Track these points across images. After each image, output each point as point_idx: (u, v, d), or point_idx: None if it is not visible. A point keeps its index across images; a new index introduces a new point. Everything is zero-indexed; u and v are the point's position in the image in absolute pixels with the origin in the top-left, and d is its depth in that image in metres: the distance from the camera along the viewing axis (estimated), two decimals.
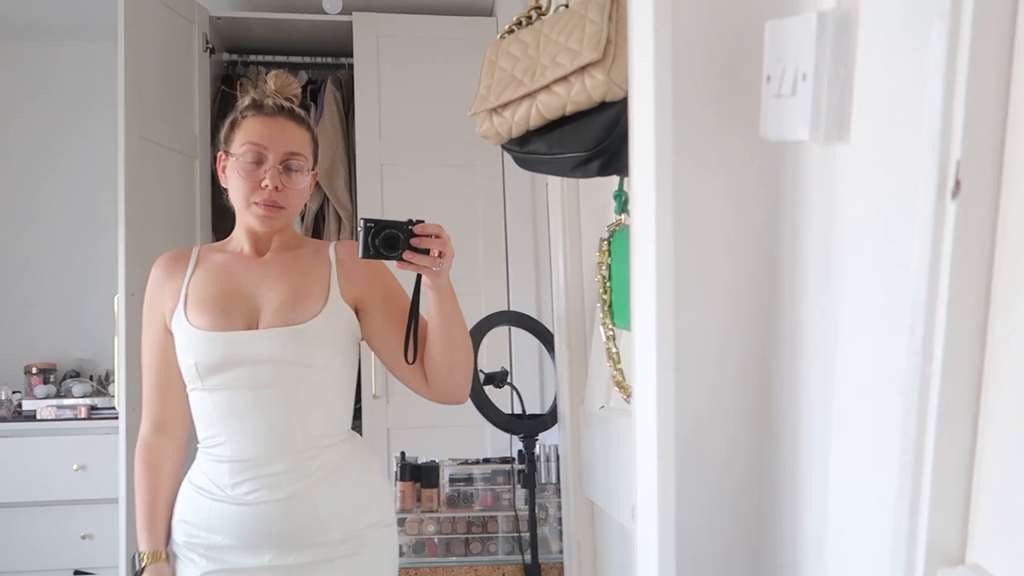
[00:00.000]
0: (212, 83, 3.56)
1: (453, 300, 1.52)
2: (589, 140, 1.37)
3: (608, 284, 1.55)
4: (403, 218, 1.44)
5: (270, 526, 1.52)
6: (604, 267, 1.56)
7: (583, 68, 1.34)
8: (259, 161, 1.57)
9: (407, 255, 1.41)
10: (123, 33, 2.88)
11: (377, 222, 1.41)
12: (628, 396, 1.46)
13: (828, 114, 0.81)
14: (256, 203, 1.57)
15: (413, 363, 1.55)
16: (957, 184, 0.66)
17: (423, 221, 1.44)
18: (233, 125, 1.62)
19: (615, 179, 1.65)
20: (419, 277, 1.49)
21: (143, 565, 1.56)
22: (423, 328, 1.57)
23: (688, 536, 1.04)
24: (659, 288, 0.92)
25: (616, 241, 1.56)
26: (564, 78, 1.37)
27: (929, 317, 0.69)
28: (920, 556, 0.70)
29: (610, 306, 1.55)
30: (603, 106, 1.37)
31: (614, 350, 1.53)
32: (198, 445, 1.61)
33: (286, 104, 1.63)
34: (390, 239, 1.40)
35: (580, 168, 1.43)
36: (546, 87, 1.39)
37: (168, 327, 1.61)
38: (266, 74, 1.67)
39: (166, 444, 1.62)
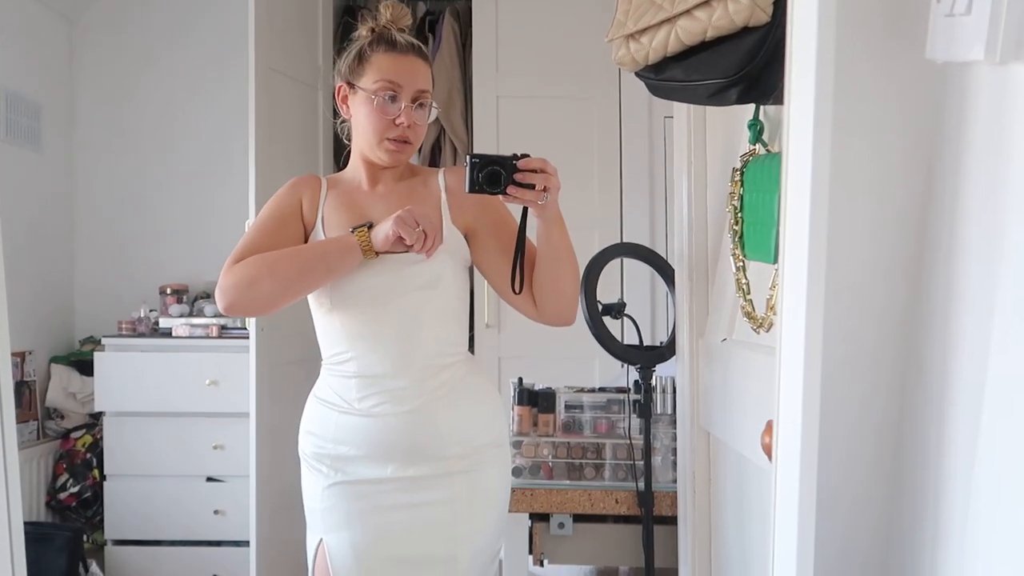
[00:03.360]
0: (335, 15, 3.62)
1: (562, 229, 1.56)
2: (730, 66, 1.35)
3: (740, 215, 1.54)
4: (513, 152, 1.48)
5: (393, 437, 1.60)
6: (736, 198, 1.55)
7: None
8: (393, 98, 1.61)
9: (511, 190, 1.45)
10: None
11: (482, 157, 1.45)
12: (759, 327, 1.46)
13: (1007, 32, 0.78)
14: (389, 139, 1.62)
15: (519, 294, 1.60)
16: None
17: (528, 156, 1.47)
18: (362, 58, 1.64)
19: (746, 109, 1.62)
20: (525, 209, 1.53)
21: (366, 226, 1.57)
22: (531, 254, 1.61)
23: (828, 472, 1.04)
24: (813, 222, 0.91)
25: (750, 171, 1.54)
26: (706, 2, 1.34)
27: None
28: None
29: (741, 237, 1.53)
30: (745, 31, 1.34)
31: (744, 281, 1.52)
32: (323, 364, 1.70)
33: (415, 42, 1.66)
34: (493, 175, 1.45)
35: (717, 96, 1.41)
36: (687, 12, 1.37)
37: (298, 214, 1.66)
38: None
39: None
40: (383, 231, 1.54)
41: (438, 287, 1.62)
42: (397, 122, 1.60)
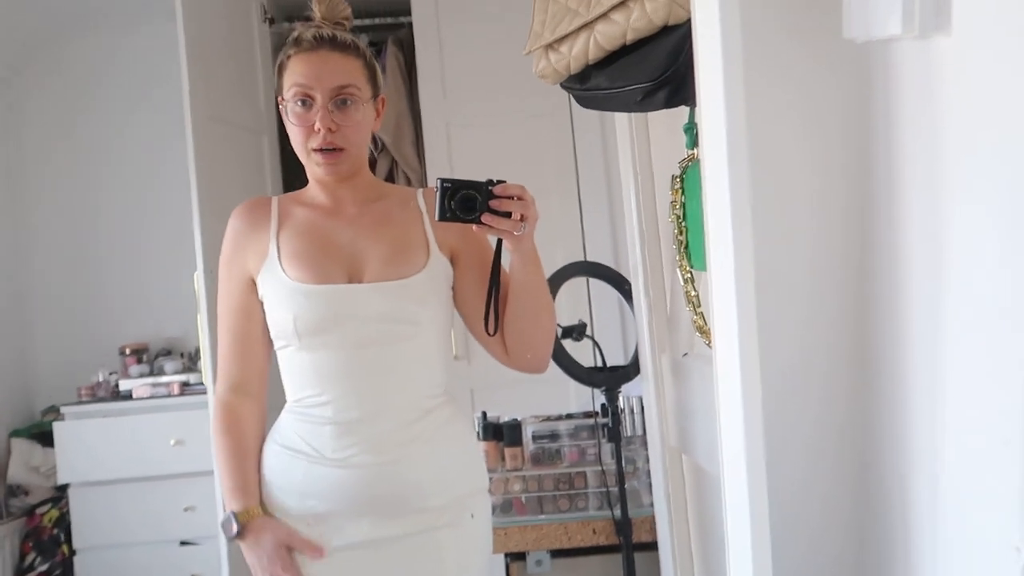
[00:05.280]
0: (274, 55, 3.54)
1: (537, 266, 1.44)
2: (653, 69, 1.27)
3: (683, 224, 1.46)
4: (479, 177, 1.35)
5: (371, 490, 1.45)
6: (678, 206, 1.47)
7: None
8: (307, 103, 1.46)
9: (485, 218, 1.32)
10: (181, 13, 2.87)
11: (454, 182, 1.32)
12: (710, 341, 1.37)
13: (923, 2, 0.70)
14: (314, 149, 1.46)
15: (493, 335, 1.48)
16: None
17: (504, 181, 1.34)
18: (280, 69, 1.51)
19: (685, 112, 1.55)
20: (500, 242, 1.42)
21: (239, 525, 1.46)
22: (504, 293, 1.48)
23: (784, 491, 0.96)
24: (735, 222, 0.83)
25: (689, 177, 1.46)
26: (622, 3, 1.27)
27: None
28: None
29: (686, 247, 1.45)
30: (666, 30, 1.27)
31: (693, 293, 1.44)
32: (287, 406, 1.54)
33: (327, 33, 1.49)
34: (467, 200, 1.32)
35: (646, 101, 1.34)
36: (603, 15, 1.30)
37: (252, 281, 1.52)
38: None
39: (245, 403, 1.53)
40: (251, 552, 1.47)
41: (422, 323, 1.48)
42: (316, 128, 1.45)
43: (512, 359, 1.52)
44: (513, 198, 1.33)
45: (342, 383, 1.46)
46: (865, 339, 0.97)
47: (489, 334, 1.47)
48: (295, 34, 1.50)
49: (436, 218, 1.34)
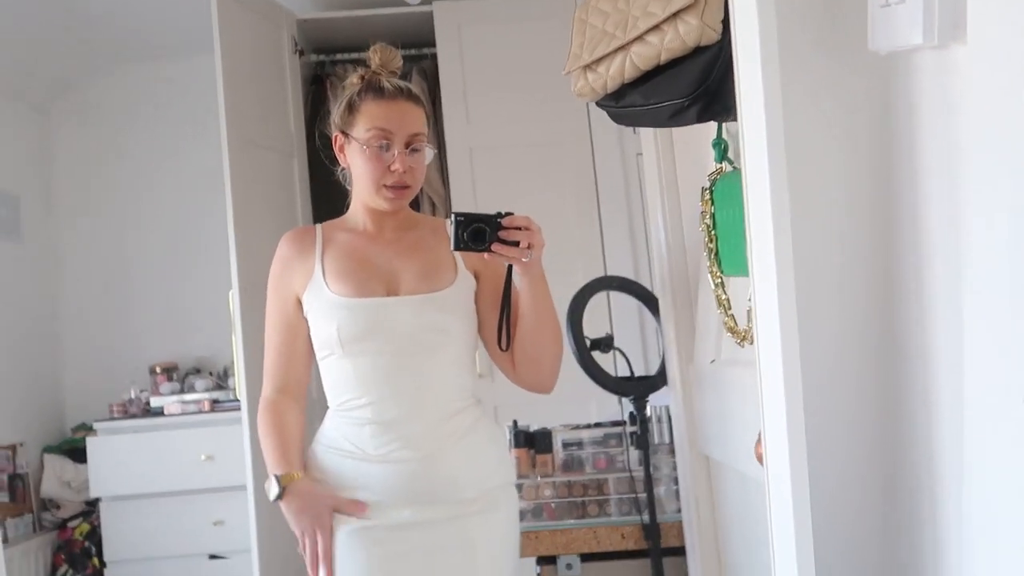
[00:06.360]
0: (303, 84, 3.67)
1: (544, 290, 1.58)
2: (686, 86, 1.37)
3: (713, 232, 1.55)
4: (496, 207, 1.51)
5: (411, 482, 1.58)
6: (708, 216, 1.56)
7: (675, 14, 1.34)
8: (386, 146, 1.60)
9: (495, 247, 1.47)
10: (219, 45, 2.99)
11: (467, 216, 1.47)
12: (741, 340, 1.46)
13: (941, 14, 0.79)
14: (386, 186, 1.61)
15: (506, 350, 1.61)
16: None
17: (512, 213, 1.49)
18: (352, 108, 1.64)
19: (711, 129, 1.64)
20: (510, 268, 1.54)
21: (280, 487, 1.58)
22: (515, 314, 1.62)
23: (821, 474, 1.03)
24: (776, 227, 0.91)
25: (719, 189, 1.55)
26: (657, 27, 1.37)
27: None
28: None
29: (716, 254, 1.54)
30: (697, 51, 1.36)
31: (724, 297, 1.53)
32: (330, 411, 1.67)
33: (403, 85, 1.66)
34: (478, 232, 1.47)
35: (678, 116, 1.43)
36: (639, 38, 1.40)
37: (298, 300, 1.66)
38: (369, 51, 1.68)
39: (289, 403, 1.67)
40: (291, 511, 1.59)
41: (452, 333, 1.62)
42: (392, 168, 1.59)
43: (519, 375, 1.66)
44: (520, 228, 1.48)
45: (380, 386, 1.60)
46: (893, 334, 1.04)
47: (502, 349, 1.61)
48: (365, 79, 1.64)
49: (452, 249, 1.49)
